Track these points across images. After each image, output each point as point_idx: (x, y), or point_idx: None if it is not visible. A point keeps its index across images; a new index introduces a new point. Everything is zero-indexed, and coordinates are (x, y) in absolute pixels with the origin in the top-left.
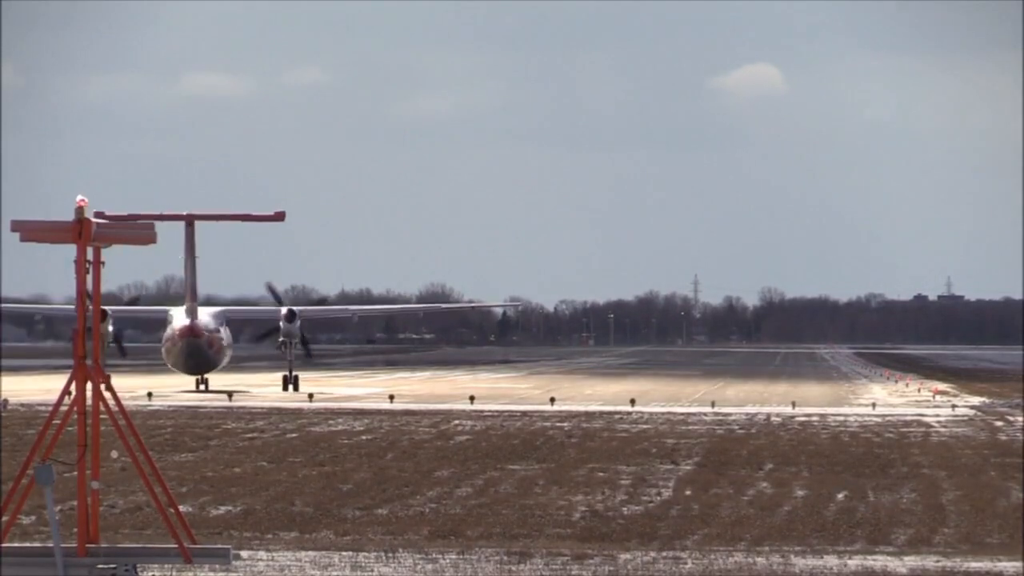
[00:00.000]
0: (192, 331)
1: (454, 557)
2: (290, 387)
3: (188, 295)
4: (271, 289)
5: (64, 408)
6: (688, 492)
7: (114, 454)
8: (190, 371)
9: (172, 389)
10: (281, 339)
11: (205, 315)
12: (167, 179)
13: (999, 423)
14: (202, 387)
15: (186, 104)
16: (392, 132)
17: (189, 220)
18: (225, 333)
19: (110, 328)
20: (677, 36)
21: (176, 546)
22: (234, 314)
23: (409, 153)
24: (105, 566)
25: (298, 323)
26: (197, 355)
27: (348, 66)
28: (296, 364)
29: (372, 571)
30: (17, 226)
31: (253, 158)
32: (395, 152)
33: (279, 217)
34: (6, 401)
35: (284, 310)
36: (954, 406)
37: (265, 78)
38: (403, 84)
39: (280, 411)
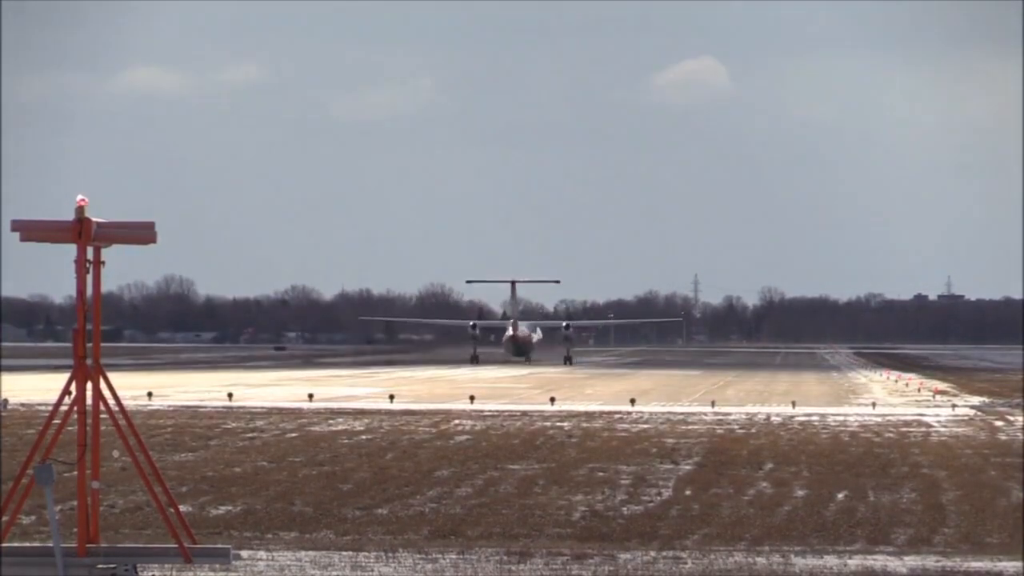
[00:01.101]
0: (514, 337)
1: (454, 557)
2: (568, 362)
3: (513, 316)
4: (567, 312)
5: (64, 408)
6: (688, 492)
7: (115, 454)
8: (515, 355)
9: (172, 389)
10: (564, 337)
11: (524, 325)
12: (123, 178)
13: (999, 423)
14: (524, 360)
15: (132, 101)
16: (372, 131)
17: (512, 283)
18: (536, 334)
19: (478, 333)
20: (660, 34)
21: (176, 546)
22: (541, 324)
23: (406, 152)
24: (105, 566)
25: (572, 329)
26: (518, 346)
27: (304, 63)
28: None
29: (372, 571)
30: (17, 226)
31: (225, 158)
32: (392, 151)
33: (555, 281)
34: (6, 401)
35: (564, 323)
36: (954, 406)
37: (206, 75)
38: (360, 81)
39: (280, 411)
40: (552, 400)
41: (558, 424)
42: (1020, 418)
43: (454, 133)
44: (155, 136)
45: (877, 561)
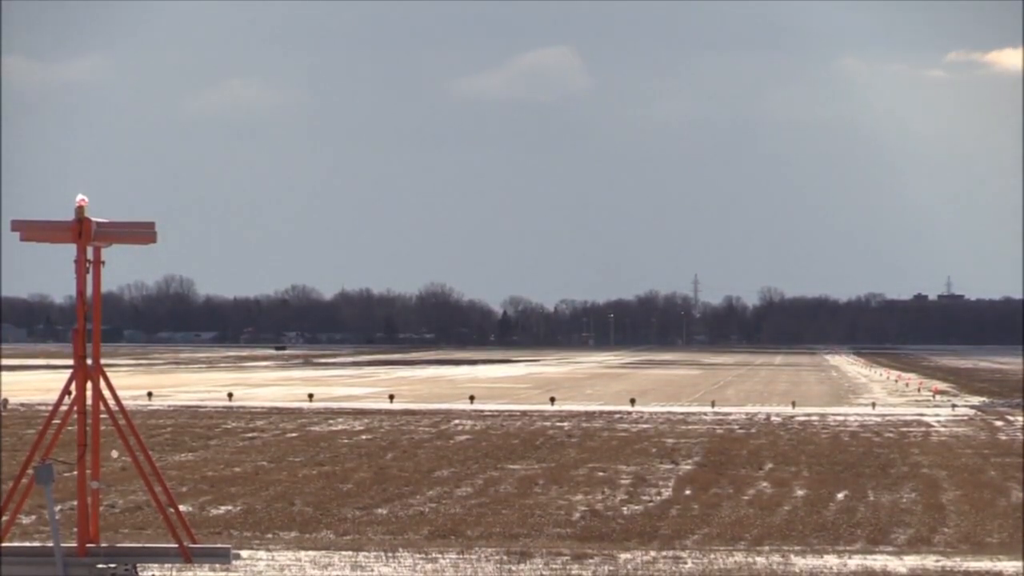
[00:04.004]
0: None
1: (454, 557)
2: None
3: None
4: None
5: (64, 408)
6: (688, 492)
7: (114, 454)
8: None
9: (172, 389)
10: None
11: None
12: (123, 178)
13: (999, 423)
14: None
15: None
16: (371, 131)
17: None
18: None
19: None
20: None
21: (176, 546)
22: None
23: (414, 152)
24: (105, 566)
25: None
26: None
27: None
28: None
29: (372, 571)
30: (17, 226)
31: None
32: (391, 151)
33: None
34: (6, 401)
35: None
36: (954, 406)
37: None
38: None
39: (280, 411)
40: (552, 400)
41: (558, 424)
42: (1020, 418)
43: (453, 134)
44: (155, 137)
45: (877, 561)
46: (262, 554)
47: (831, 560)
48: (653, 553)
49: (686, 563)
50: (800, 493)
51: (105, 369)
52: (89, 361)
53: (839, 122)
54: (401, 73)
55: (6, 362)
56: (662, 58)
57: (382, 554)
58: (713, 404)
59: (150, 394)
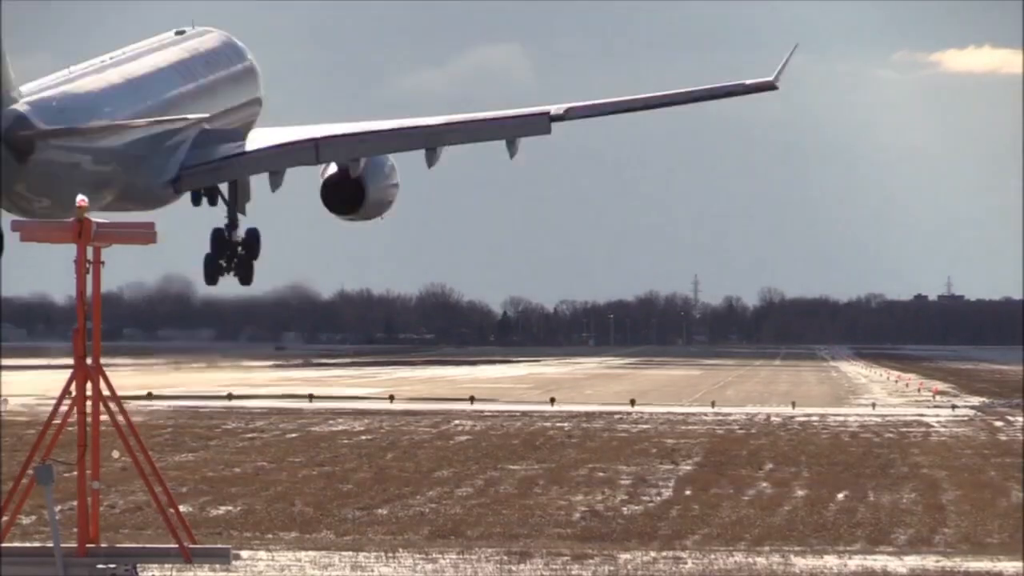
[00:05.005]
0: None
1: (454, 557)
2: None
3: None
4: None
5: (64, 408)
6: (688, 492)
7: (115, 454)
8: None
9: (172, 389)
10: None
11: None
12: None
13: (999, 423)
14: None
15: None
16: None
17: None
18: None
19: None
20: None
21: (176, 546)
22: None
23: None
24: (105, 566)
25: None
26: None
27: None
28: None
29: (372, 571)
30: (17, 226)
31: None
32: None
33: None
34: (6, 401)
35: None
36: (954, 406)
37: None
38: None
39: (280, 411)
40: (552, 400)
41: (558, 424)
42: (1020, 418)
43: None
44: None
45: (877, 561)
46: (262, 554)
47: (831, 560)
48: (653, 553)
49: (686, 563)
50: (800, 493)
51: (105, 369)
52: (89, 361)
53: (841, 121)
54: (375, 69)
55: (6, 362)
56: (609, 57)
57: (382, 554)
58: (713, 404)
59: (150, 394)
